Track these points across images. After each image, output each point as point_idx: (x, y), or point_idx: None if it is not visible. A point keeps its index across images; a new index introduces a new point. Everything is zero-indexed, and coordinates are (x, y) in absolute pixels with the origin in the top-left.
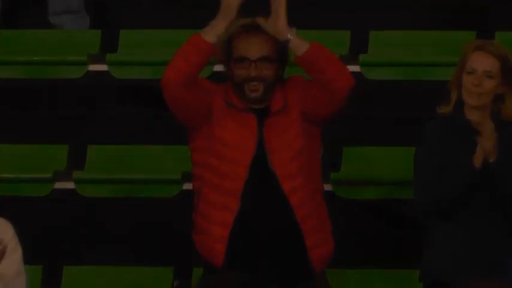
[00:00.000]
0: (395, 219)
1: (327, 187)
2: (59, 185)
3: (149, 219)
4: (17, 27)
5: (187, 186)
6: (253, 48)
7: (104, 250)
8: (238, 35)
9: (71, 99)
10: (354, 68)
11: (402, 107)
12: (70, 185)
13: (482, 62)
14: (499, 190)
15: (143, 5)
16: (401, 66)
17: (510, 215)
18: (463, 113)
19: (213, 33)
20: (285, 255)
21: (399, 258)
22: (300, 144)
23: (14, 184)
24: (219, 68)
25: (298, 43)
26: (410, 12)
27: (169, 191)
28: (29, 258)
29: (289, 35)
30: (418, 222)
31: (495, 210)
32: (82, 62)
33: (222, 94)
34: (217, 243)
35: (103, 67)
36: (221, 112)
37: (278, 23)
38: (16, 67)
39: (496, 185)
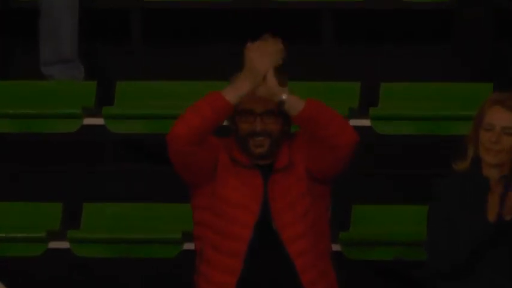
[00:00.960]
0: (406, 282)
1: (336, 247)
2: (52, 245)
3: (148, 281)
4: (7, 78)
5: (188, 246)
6: (258, 101)
7: None
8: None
9: (65, 154)
10: (364, 122)
11: (414, 163)
12: (65, 245)
13: (501, 118)
14: None
15: (140, 54)
16: (413, 120)
17: None
18: (481, 171)
19: (235, 93)
20: None
21: None
22: (306, 204)
23: (5, 244)
24: None
25: (293, 102)
26: (423, 63)
27: (170, 252)
28: None
29: (283, 96)
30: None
31: None
32: (76, 116)
33: (226, 149)
34: None
35: (99, 121)
36: (225, 169)
37: (268, 85)
38: (7, 120)
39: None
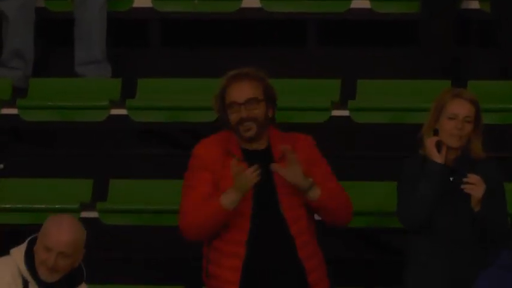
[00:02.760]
0: (380, 245)
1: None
2: (84, 214)
3: (165, 245)
4: (47, 76)
5: None
6: (240, 92)
7: (123, 271)
8: (228, 85)
9: (95, 139)
10: (343, 112)
11: (386, 147)
12: (94, 214)
13: (463, 108)
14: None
15: (158, 56)
16: (385, 111)
17: (490, 246)
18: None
19: (230, 202)
20: None
21: (382, 280)
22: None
23: (45, 213)
24: None
25: (315, 190)
26: (394, 63)
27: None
28: None
29: (310, 181)
30: (399, 248)
31: (476, 243)
32: (104, 107)
33: (221, 143)
34: (230, 286)
35: (123, 111)
36: (223, 164)
37: (297, 172)
38: (46, 111)
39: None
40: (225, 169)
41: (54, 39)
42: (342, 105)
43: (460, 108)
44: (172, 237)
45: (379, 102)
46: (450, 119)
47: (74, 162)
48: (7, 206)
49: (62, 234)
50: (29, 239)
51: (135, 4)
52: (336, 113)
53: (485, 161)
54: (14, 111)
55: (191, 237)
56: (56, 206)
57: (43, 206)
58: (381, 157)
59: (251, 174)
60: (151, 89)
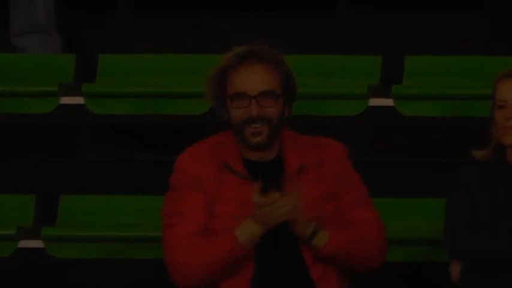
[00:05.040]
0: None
1: None
2: (24, 244)
3: (131, 284)
4: None
5: None
6: (252, 81)
7: None
8: (233, 67)
9: (39, 138)
10: (385, 101)
11: (443, 149)
12: (38, 244)
13: None
14: None
15: (126, 25)
16: (442, 100)
17: None
18: (505, 157)
19: (248, 239)
20: None
21: None
22: (318, 208)
23: None
24: None
25: (321, 235)
26: (455, 34)
27: (155, 252)
28: None
29: (313, 226)
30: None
31: None
32: (52, 94)
33: (214, 155)
34: None
35: (78, 100)
36: (216, 182)
37: (298, 230)
38: None
39: None
40: (221, 188)
41: None
42: (383, 91)
43: (508, 91)
44: (143, 276)
45: (434, 88)
46: (500, 108)
47: (11, 171)
48: None
49: None
50: None
51: None
52: (375, 101)
53: None
54: None
55: (184, 282)
56: None
57: None
58: (435, 164)
59: (288, 206)
60: (117, 70)
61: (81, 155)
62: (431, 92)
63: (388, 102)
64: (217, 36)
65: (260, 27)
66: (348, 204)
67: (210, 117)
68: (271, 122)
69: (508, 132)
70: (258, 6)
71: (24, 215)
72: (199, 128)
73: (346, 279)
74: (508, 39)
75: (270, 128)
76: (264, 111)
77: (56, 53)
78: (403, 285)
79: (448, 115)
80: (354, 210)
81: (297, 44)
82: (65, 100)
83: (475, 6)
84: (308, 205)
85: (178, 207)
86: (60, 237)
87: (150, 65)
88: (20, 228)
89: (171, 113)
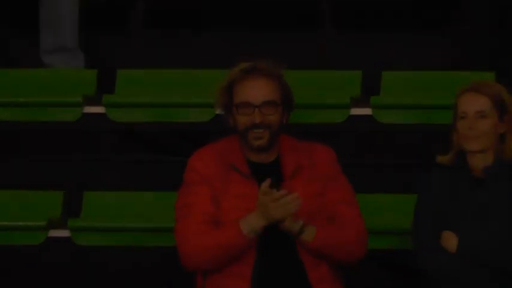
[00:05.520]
0: (399, 270)
1: None
2: (53, 233)
3: (149, 271)
4: (7, 66)
5: None
6: (255, 92)
7: None
8: (239, 80)
9: (66, 143)
10: (364, 110)
11: (416, 153)
12: (65, 233)
13: (473, 103)
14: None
15: (141, 43)
16: (415, 109)
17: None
18: (466, 163)
19: (251, 230)
20: None
21: None
22: (312, 204)
23: (6, 232)
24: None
25: (309, 232)
26: (427, 51)
27: (167, 241)
28: None
29: (301, 223)
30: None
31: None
32: (77, 104)
33: (221, 156)
34: None
35: (99, 109)
36: (223, 179)
37: (287, 227)
38: (5, 108)
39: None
40: (228, 186)
41: (16, 22)
42: (363, 101)
43: (468, 104)
44: (158, 260)
45: (408, 98)
46: (462, 119)
47: (41, 170)
48: None
49: None
50: None
51: None
52: (356, 111)
53: None
54: None
55: (193, 266)
56: (20, 224)
57: (4, 223)
58: (410, 164)
59: (293, 203)
60: (134, 82)
61: (102, 156)
62: (404, 102)
63: (367, 111)
64: (219, 52)
65: (257, 44)
66: (334, 201)
67: (213, 124)
68: (272, 128)
69: (469, 140)
70: (255, 25)
71: (53, 209)
72: (204, 134)
73: (336, 266)
74: (472, 57)
75: (270, 133)
76: (265, 118)
77: (79, 68)
78: (386, 270)
79: (419, 122)
80: (339, 207)
81: (289, 60)
82: (88, 109)
83: (444, 27)
84: (303, 202)
85: (190, 200)
86: (84, 227)
87: (161, 79)
88: (50, 220)
89: (179, 120)
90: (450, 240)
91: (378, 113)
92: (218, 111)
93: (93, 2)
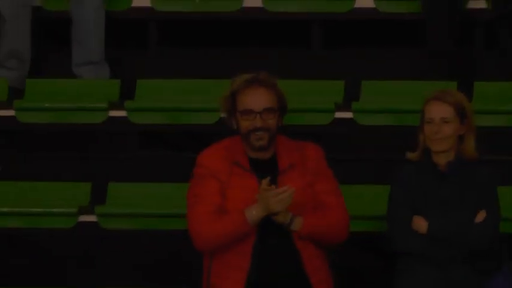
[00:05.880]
0: (378, 250)
1: None
2: (82, 218)
3: (165, 250)
4: (44, 77)
5: None
6: (257, 100)
7: (122, 275)
8: (242, 89)
9: (93, 142)
10: (347, 114)
11: (391, 149)
12: (93, 218)
13: (439, 111)
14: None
15: (156, 57)
16: (389, 113)
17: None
18: (431, 157)
19: (253, 218)
20: None
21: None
22: (306, 196)
23: (42, 217)
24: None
25: (297, 222)
26: (398, 64)
27: (180, 225)
28: (53, 284)
29: (290, 215)
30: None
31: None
32: (103, 109)
33: (225, 154)
34: None
35: (122, 113)
36: (229, 172)
37: (280, 219)
38: (43, 113)
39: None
40: (231, 178)
41: (51, 39)
42: (345, 107)
43: (434, 111)
44: (172, 242)
45: (384, 104)
46: (428, 123)
47: (72, 165)
48: (3, 209)
49: None
50: None
51: (134, 4)
52: (340, 114)
53: (478, 165)
54: (10, 112)
55: (203, 247)
56: (54, 210)
57: (40, 209)
58: (385, 160)
59: (286, 198)
60: (151, 90)
61: (124, 153)
62: (380, 107)
63: (349, 115)
64: (223, 65)
65: (256, 59)
66: (322, 191)
67: (218, 126)
68: (270, 131)
69: (435, 142)
70: (256, 43)
71: (82, 197)
72: (210, 134)
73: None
74: (437, 69)
75: (269, 134)
76: (265, 123)
77: (105, 79)
78: (366, 251)
79: (392, 124)
80: (326, 196)
81: (284, 72)
82: (112, 113)
83: (415, 43)
84: (296, 192)
85: (199, 191)
86: (109, 213)
87: (174, 87)
88: (80, 207)
89: (189, 122)
90: (420, 224)
91: (358, 116)
92: (222, 115)
93: (116, 22)
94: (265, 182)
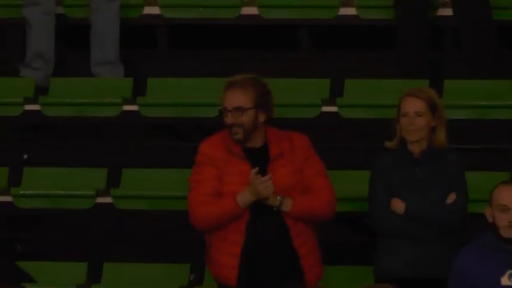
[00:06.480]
0: (365, 228)
1: None
2: (99, 200)
3: (171, 227)
4: (66, 76)
5: None
6: (229, 99)
7: (135, 250)
8: (224, 90)
9: (109, 133)
10: (332, 108)
11: (370, 139)
12: (108, 200)
13: (412, 105)
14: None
15: (165, 58)
16: (369, 107)
17: (450, 235)
18: (407, 146)
19: (244, 202)
20: (285, 276)
21: (354, 258)
22: (295, 180)
23: (63, 199)
24: None
25: (286, 203)
26: (377, 65)
27: (186, 205)
28: (75, 256)
29: (280, 201)
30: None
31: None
32: (118, 104)
33: (223, 142)
34: (230, 270)
35: (134, 107)
36: (226, 159)
37: (271, 201)
38: (65, 107)
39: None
40: (228, 165)
41: (72, 42)
42: (331, 102)
43: (409, 106)
44: (180, 220)
45: (365, 100)
46: (403, 116)
47: (91, 153)
48: (30, 192)
49: None
50: None
51: (145, 11)
52: (326, 109)
53: (448, 152)
54: (36, 107)
55: (201, 226)
56: (74, 192)
57: (62, 192)
58: (366, 148)
59: (271, 185)
60: (160, 87)
61: (136, 143)
62: (361, 102)
63: (334, 109)
64: (224, 66)
65: (254, 60)
66: (310, 175)
67: (218, 119)
68: (244, 126)
69: (409, 133)
70: (252, 47)
71: (100, 181)
72: (212, 126)
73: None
74: (412, 69)
75: (244, 129)
76: (237, 120)
77: (120, 77)
78: (351, 228)
79: (372, 117)
80: (314, 180)
81: (277, 72)
82: (126, 108)
83: (392, 46)
84: (285, 177)
85: (199, 177)
86: (123, 196)
87: (181, 85)
88: (97, 190)
89: (193, 115)
90: (398, 205)
91: (342, 111)
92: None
93: (130, 28)
94: (254, 171)
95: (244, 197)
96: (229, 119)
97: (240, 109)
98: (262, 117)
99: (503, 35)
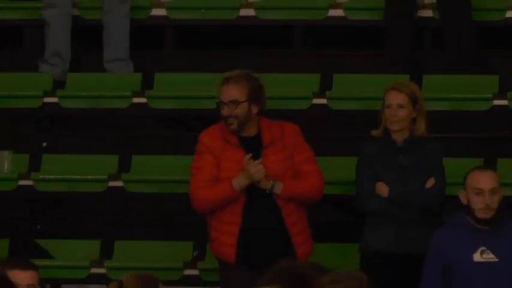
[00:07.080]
0: (349, 209)
1: None
2: (111, 184)
3: (176, 208)
4: (81, 71)
5: None
6: (224, 93)
7: (143, 230)
8: (221, 85)
9: (120, 123)
10: (322, 101)
11: (356, 129)
12: (120, 184)
13: (395, 98)
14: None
15: (171, 55)
16: (356, 100)
17: (428, 215)
18: (390, 134)
19: (239, 186)
20: (278, 252)
21: (340, 235)
22: (287, 165)
23: (78, 182)
24: None
25: (277, 186)
26: (363, 61)
27: (188, 189)
28: (89, 235)
29: (270, 181)
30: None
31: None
32: (128, 96)
33: (221, 132)
34: (229, 248)
35: (143, 100)
36: (223, 147)
37: (263, 183)
38: (80, 100)
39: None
40: (224, 153)
41: (87, 41)
42: (320, 95)
43: (392, 98)
44: (184, 202)
45: (351, 93)
46: (387, 108)
47: (103, 141)
48: (49, 176)
49: None
50: None
51: (153, 13)
52: (316, 101)
53: (428, 141)
54: (54, 99)
55: (201, 209)
56: (88, 177)
57: (78, 176)
58: (353, 137)
59: (262, 169)
60: (166, 82)
61: (144, 132)
62: (349, 95)
63: (324, 101)
64: (224, 61)
65: (250, 56)
66: (300, 161)
67: (217, 111)
68: (238, 118)
69: (392, 123)
70: (249, 45)
71: (111, 167)
72: (213, 117)
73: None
74: (395, 65)
75: (238, 120)
76: (232, 112)
77: (130, 73)
78: (339, 210)
79: (359, 109)
80: (303, 165)
81: (272, 67)
82: (135, 100)
83: (377, 44)
84: (277, 162)
85: (199, 164)
86: (133, 180)
87: (185, 80)
88: (109, 175)
89: (196, 107)
90: (382, 189)
91: (331, 103)
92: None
93: (139, 27)
94: (247, 157)
95: (240, 181)
96: (225, 111)
97: (234, 102)
98: (255, 109)
99: (482, 35)
